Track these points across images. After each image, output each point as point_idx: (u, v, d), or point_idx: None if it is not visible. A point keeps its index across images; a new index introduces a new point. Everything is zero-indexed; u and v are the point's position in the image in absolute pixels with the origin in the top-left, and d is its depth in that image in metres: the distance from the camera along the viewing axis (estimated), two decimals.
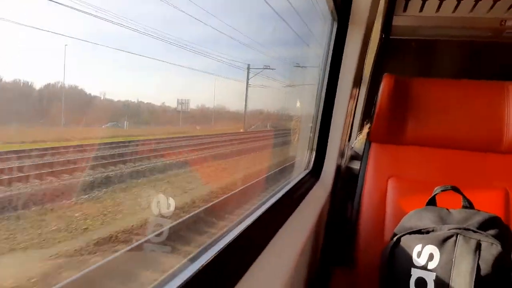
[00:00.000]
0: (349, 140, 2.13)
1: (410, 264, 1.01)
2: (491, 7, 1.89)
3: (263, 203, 1.10)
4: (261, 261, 0.77)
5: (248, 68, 9.12)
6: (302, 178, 1.50)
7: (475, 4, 1.87)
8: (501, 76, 1.53)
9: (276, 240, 0.90)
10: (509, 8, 1.88)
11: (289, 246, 0.93)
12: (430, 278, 0.97)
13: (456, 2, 1.88)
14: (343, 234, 1.50)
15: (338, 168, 1.71)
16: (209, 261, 0.68)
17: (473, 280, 0.90)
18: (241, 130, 9.84)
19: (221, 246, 0.74)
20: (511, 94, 1.37)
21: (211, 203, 3.89)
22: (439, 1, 1.89)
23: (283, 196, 1.19)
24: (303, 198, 1.30)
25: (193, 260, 0.72)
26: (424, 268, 0.98)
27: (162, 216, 1.71)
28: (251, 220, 0.91)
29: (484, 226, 0.99)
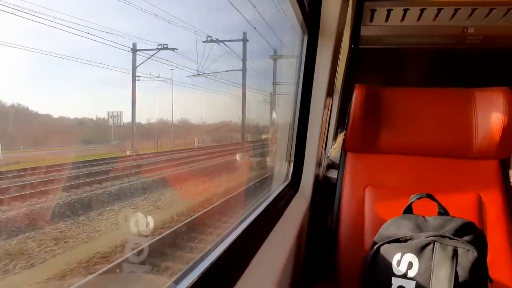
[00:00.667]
0: (325, 149, 2.16)
1: (391, 273, 1.03)
2: (453, 15, 1.97)
3: (245, 219, 1.10)
4: (245, 278, 0.77)
5: (135, 50, 6.24)
6: (282, 190, 1.50)
7: (437, 12, 1.95)
8: (467, 82, 1.59)
9: (259, 256, 0.90)
10: (470, 16, 1.97)
11: (272, 261, 0.93)
12: (410, 287, 0.99)
13: (419, 11, 1.95)
14: (324, 245, 1.51)
15: (316, 178, 1.73)
16: (193, 283, 0.68)
17: (452, 287, 0.93)
18: (127, 153, 6.73)
19: (205, 266, 0.74)
20: (478, 101, 1.43)
21: None
22: (403, 11, 1.95)
23: (264, 210, 1.19)
24: (284, 210, 1.31)
25: (178, 281, 0.72)
26: (404, 276, 1.00)
27: None
28: (233, 238, 0.91)
29: (459, 232, 1.02)
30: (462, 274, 0.95)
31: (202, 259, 0.79)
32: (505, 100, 1.36)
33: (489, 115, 1.39)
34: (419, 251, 1.01)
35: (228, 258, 0.82)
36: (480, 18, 1.98)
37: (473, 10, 1.90)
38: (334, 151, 2.31)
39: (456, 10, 1.91)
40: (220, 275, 0.76)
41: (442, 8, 1.90)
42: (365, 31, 2.21)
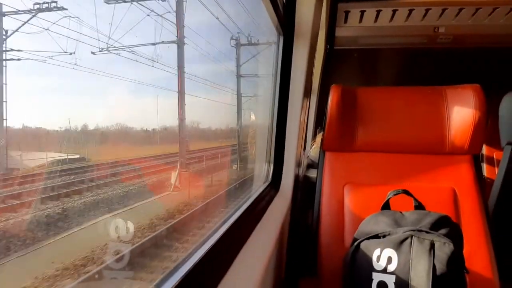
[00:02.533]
0: (304, 149, 2.18)
1: (371, 268, 1.04)
2: (424, 16, 2.02)
3: (225, 221, 1.10)
4: (227, 280, 0.77)
5: None
6: (263, 191, 1.51)
7: (409, 13, 2.00)
8: (439, 80, 1.63)
9: (242, 256, 0.91)
10: (440, 16, 2.02)
11: (254, 261, 0.93)
12: (390, 281, 1.01)
13: (392, 12, 1.99)
14: (306, 244, 1.52)
15: (296, 178, 1.74)
16: (174, 286, 0.68)
17: (430, 279, 0.95)
18: None
19: (187, 269, 0.74)
20: (449, 98, 1.47)
21: None
22: (376, 12, 1.99)
23: (245, 212, 1.19)
24: (265, 211, 1.32)
25: (159, 285, 0.71)
26: (384, 271, 1.02)
27: None
28: (215, 240, 0.91)
29: (435, 226, 1.05)
30: (440, 267, 0.97)
31: (183, 261, 0.79)
32: (475, 97, 1.41)
33: (460, 112, 1.43)
34: (398, 245, 1.03)
35: (211, 260, 0.82)
36: (450, 18, 2.04)
37: (443, 10, 1.95)
38: (313, 150, 2.34)
39: (427, 11, 1.96)
40: (203, 276, 0.76)
41: (414, 9, 1.95)
42: (339, 32, 2.25)
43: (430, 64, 2.72)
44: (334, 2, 1.96)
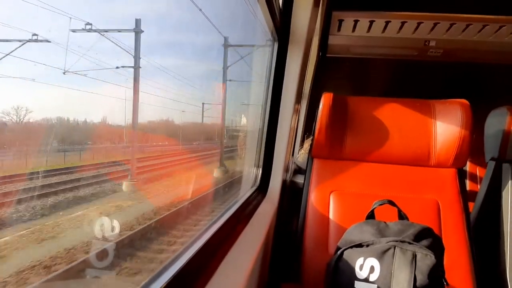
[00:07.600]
0: (292, 154, 2.20)
1: (353, 277, 1.06)
2: (416, 29, 2.05)
3: (213, 224, 1.10)
4: (214, 281, 0.78)
5: None
6: (251, 195, 1.52)
7: (401, 25, 2.03)
8: (428, 92, 1.66)
9: (227, 260, 0.91)
10: (431, 30, 2.06)
11: (239, 265, 0.94)
12: None
13: (384, 24, 2.02)
14: (290, 249, 1.53)
15: (284, 183, 1.75)
16: None
17: None
18: None
19: (172, 273, 0.74)
20: (437, 112, 1.50)
21: None
22: (369, 22, 2.02)
23: (233, 215, 1.20)
24: (252, 215, 1.32)
25: None
26: (366, 280, 1.04)
27: None
28: (202, 243, 0.91)
29: (418, 237, 1.07)
30: (421, 278, 0.99)
31: (169, 265, 0.79)
32: (462, 112, 1.44)
33: (447, 127, 1.46)
34: (381, 255, 1.05)
35: (198, 261, 0.82)
36: (441, 32, 2.07)
37: (435, 25, 1.99)
38: (301, 156, 2.36)
39: (419, 24, 1.99)
40: (190, 278, 0.76)
41: (406, 22, 1.98)
42: (332, 40, 2.26)
43: (420, 76, 2.76)
44: (328, 10, 1.97)
